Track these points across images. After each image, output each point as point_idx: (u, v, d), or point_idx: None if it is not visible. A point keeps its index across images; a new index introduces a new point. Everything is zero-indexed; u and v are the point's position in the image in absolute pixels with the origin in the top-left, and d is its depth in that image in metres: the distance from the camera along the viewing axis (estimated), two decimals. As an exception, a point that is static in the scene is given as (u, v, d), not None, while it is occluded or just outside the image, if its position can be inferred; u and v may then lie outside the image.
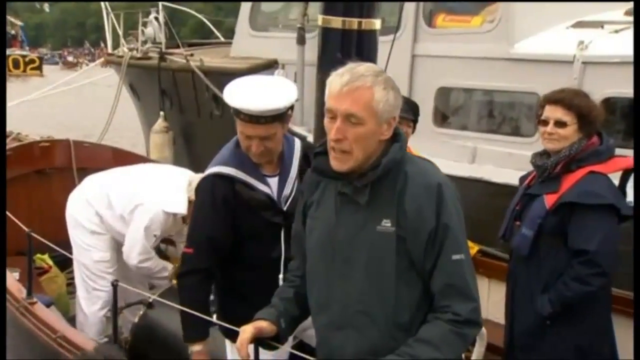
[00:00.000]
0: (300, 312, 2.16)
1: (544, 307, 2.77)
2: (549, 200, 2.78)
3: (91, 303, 3.92)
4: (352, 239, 1.96)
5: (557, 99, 2.83)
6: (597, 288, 2.71)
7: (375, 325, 1.95)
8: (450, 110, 5.64)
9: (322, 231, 2.03)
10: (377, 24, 3.12)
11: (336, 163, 1.92)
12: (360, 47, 3.08)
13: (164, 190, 3.81)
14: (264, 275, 2.50)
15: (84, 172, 4.87)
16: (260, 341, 2.02)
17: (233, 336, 2.52)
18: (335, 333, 2.01)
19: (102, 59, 12.53)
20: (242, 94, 2.43)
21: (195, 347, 2.60)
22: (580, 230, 2.71)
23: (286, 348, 2.25)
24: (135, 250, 3.76)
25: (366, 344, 1.94)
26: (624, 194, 2.84)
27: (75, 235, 3.93)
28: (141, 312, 3.59)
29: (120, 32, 10.05)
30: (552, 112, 2.81)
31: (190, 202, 3.63)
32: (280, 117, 2.44)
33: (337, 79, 1.90)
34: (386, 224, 1.92)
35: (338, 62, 3.00)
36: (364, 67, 1.93)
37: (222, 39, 10.97)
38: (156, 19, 9.04)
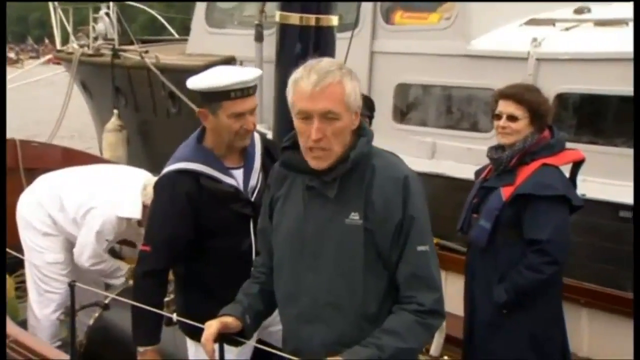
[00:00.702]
0: (265, 308, 2.19)
1: (499, 296, 2.87)
2: (506, 192, 2.89)
3: (44, 306, 3.86)
4: (321, 232, 1.99)
5: (509, 94, 2.94)
6: (549, 276, 2.82)
7: (344, 317, 1.98)
8: (409, 106, 5.75)
9: (290, 225, 2.06)
10: (334, 20, 3.19)
11: (317, 162, 1.94)
12: (318, 43, 3.14)
13: (117, 194, 3.74)
14: (233, 269, 2.50)
15: (32, 172, 4.74)
16: (225, 337, 2.02)
17: (196, 335, 2.51)
18: (303, 325, 2.04)
19: (49, 56, 12.28)
20: (226, 74, 2.48)
21: (144, 349, 2.59)
22: (533, 220, 2.83)
23: (251, 343, 2.27)
24: (85, 254, 3.72)
25: (334, 336, 1.98)
26: (575, 185, 2.98)
27: (26, 237, 3.87)
28: (96, 314, 3.56)
29: (70, 28, 9.88)
30: (505, 107, 2.93)
31: (145, 206, 3.57)
32: (256, 88, 2.53)
33: (304, 80, 1.90)
34: (354, 217, 1.95)
35: (297, 58, 3.09)
36: (325, 63, 1.94)
37: (177, 36, 10.90)
38: (107, 14, 8.94)
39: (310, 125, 1.90)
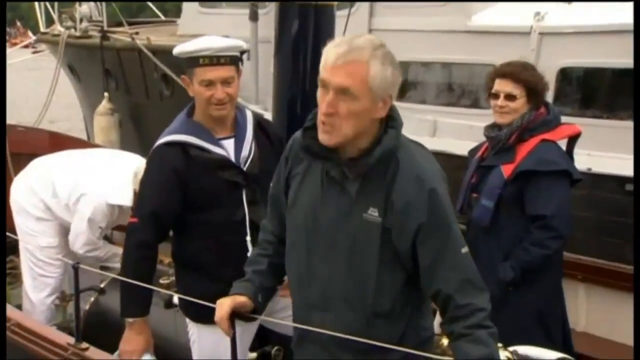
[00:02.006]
0: (275, 282, 2.20)
1: (506, 274, 2.90)
2: (506, 170, 2.91)
3: (38, 290, 3.84)
4: (337, 223, 1.94)
5: (506, 72, 2.95)
6: (555, 251, 2.88)
7: (354, 311, 1.95)
8: (408, 84, 5.78)
9: (306, 208, 2.01)
10: None
11: (324, 136, 1.86)
12: (317, 22, 3.15)
13: (108, 180, 3.71)
14: (228, 242, 2.54)
15: (18, 157, 4.69)
16: (237, 314, 2.04)
17: (200, 317, 2.57)
18: (314, 313, 2.01)
19: (30, 39, 12.14)
20: (199, 40, 2.52)
21: (130, 327, 2.59)
22: (537, 196, 2.86)
23: (262, 318, 2.26)
24: (79, 241, 3.70)
25: (344, 326, 1.96)
26: (572, 159, 3.03)
27: (20, 221, 3.85)
28: (92, 299, 3.58)
29: (55, 11, 9.77)
30: (502, 86, 2.94)
31: (136, 193, 3.50)
32: (236, 60, 2.54)
33: (333, 50, 1.82)
34: (373, 212, 1.89)
35: (296, 37, 3.11)
36: (362, 40, 1.85)
37: (163, 18, 10.84)
38: (91, -4, 8.87)
39: (326, 96, 1.84)
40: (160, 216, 2.53)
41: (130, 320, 2.60)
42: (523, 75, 2.93)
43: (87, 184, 3.70)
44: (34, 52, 11.47)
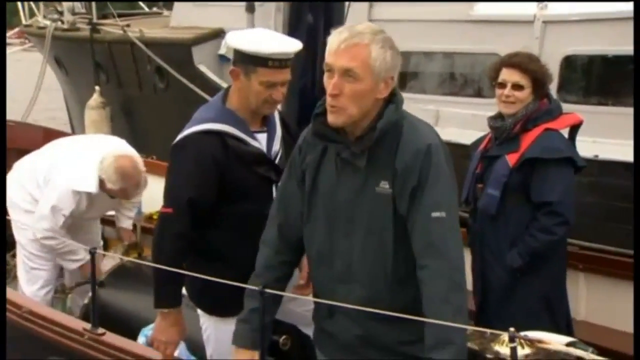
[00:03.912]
0: (276, 308, 2.33)
1: (514, 261, 3.01)
2: (511, 159, 3.03)
3: (31, 283, 3.88)
4: (353, 200, 2.11)
5: (514, 62, 3.07)
6: (561, 237, 2.99)
7: (376, 279, 2.12)
8: (410, 74, 5.85)
9: (324, 191, 2.18)
10: None
11: (331, 117, 2.05)
12: (328, 13, 3.22)
13: (76, 167, 3.70)
14: (256, 234, 2.50)
15: (9, 152, 4.63)
16: None
17: (216, 309, 2.63)
18: (338, 286, 2.19)
19: (15, 30, 12.04)
20: (269, 41, 2.51)
21: (163, 316, 2.59)
22: (542, 183, 2.97)
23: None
24: (40, 225, 3.68)
25: (368, 295, 2.13)
26: (574, 147, 3.14)
27: (12, 215, 3.89)
28: (91, 292, 3.59)
29: (40, 3, 9.72)
30: (510, 76, 3.05)
31: (101, 180, 3.58)
32: (291, 61, 2.56)
33: (336, 36, 2.02)
34: (384, 185, 2.06)
35: (308, 28, 3.18)
36: (362, 26, 2.05)
37: (146, 9, 10.83)
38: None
39: (331, 79, 2.02)
40: (198, 205, 2.49)
41: (165, 311, 2.58)
42: (530, 65, 3.05)
43: (56, 170, 3.74)
44: (21, 44, 11.35)
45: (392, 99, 2.10)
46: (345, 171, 2.12)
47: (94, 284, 2.82)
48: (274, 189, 2.56)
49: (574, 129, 3.14)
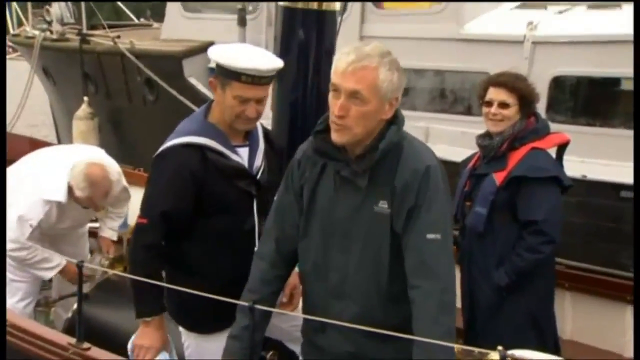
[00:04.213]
0: (266, 324, 2.33)
1: (501, 279, 3.03)
2: (498, 177, 3.05)
3: (10, 295, 3.73)
4: (351, 217, 2.14)
5: (501, 81, 3.11)
6: (547, 255, 3.01)
7: (370, 296, 2.15)
8: (400, 91, 5.87)
9: (322, 206, 2.19)
10: (336, 5, 3.28)
11: (336, 135, 2.07)
12: (321, 28, 3.23)
13: (47, 175, 3.60)
14: (236, 248, 2.54)
15: None
16: None
17: (196, 327, 2.61)
18: (332, 301, 2.21)
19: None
20: (245, 56, 2.50)
21: (145, 324, 2.57)
22: (528, 202, 3.00)
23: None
24: (8, 236, 3.51)
25: (360, 313, 2.14)
26: (561, 166, 3.16)
27: None
28: (75, 306, 3.49)
29: (28, 12, 9.70)
30: (496, 95, 3.09)
31: (70, 187, 3.50)
32: (272, 79, 2.56)
33: (343, 57, 2.02)
34: (383, 205, 2.09)
35: (299, 43, 3.18)
36: (370, 47, 2.06)
37: (136, 21, 10.82)
38: (63, -3, 8.81)
39: (337, 99, 2.03)
40: (171, 218, 2.49)
41: (148, 319, 2.56)
42: (517, 84, 3.09)
43: (27, 180, 3.63)
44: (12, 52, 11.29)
45: (394, 120, 2.12)
46: (344, 189, 2.15)
47: (80, 298, 2.77)
48: (254, 203, 2.57)
49: (562, 148, 3.17)
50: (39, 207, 3.54)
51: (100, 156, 3.77)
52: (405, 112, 5.83)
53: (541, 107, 4.63)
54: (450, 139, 5.24)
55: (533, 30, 4.88)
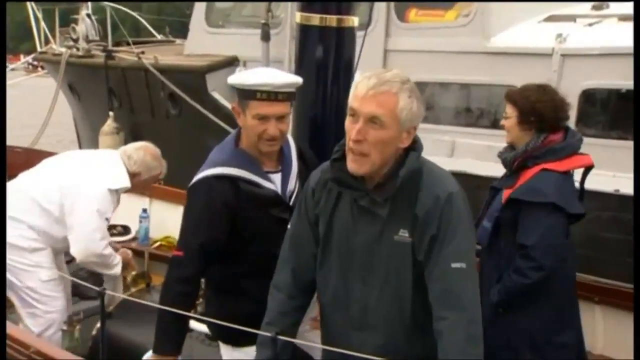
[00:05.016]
0: (290, 350, 2.25)
1: (493, 296, 2.98)
2: (505, 194, 3.00)
3: (45, 328, 3.60)
4: (370, 247, 2.09)
5: (506, 93, 3.10)
6: (534, 281, 2.89)
7: (393, 329, 2.10)
8: (425, 104, 5.82)
9: (339, 236, 2.15)
10: (355, 20, 3.27)
11: (353, 165, 2.02)
12: (339, 44, 3.20)
13: (99, 169, 3.60)
14: (270, 273, 2.49)
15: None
16: None
17: (233, 339, 2.59)
18: (354, 332, 2.15)
19: (30, 56, 12.22)
20: (258, 74, 2.53)
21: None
22: (523, 225, 2.92)
23: None
24: (96, 238, 3.48)
25: (384, 345, 2.09)
26: (582, 191, 3.04)
27: (12, 260, 3.48)
28: (98, 324, 3.44)
29: (54, 31, 9.88)
30: (506, 106, 3.10)
31: (132, 174, 3.61)
32: (292, 96, 2.54)
33: (364, 82, 2.00)
34: (403, 234, 2.05)
35: (317, 60, 3.16)
36: (391, 74, 2.03)
37: (158, 37, 10.95)
38: (89, 15, 8.96)
39: (355, 124, 2.00)
40: (207, 250, 2.51)
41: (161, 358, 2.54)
42: (517, 95, 3.04)
43: (75, 181, 3.54)
44: (33, 70, 11.50)
45: (413, 146, 2.07)
46: (362, 218, 2.10)
47: (103, 322, 2.75)
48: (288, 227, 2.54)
49: (586, 171, 3.05)
50: (108, 197, 3.53)
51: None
52: (430, 126, 5.89)
53: (570, 120, 4.57)
54: (476, 153, 5.18)
55: (562, 43, 4.81)
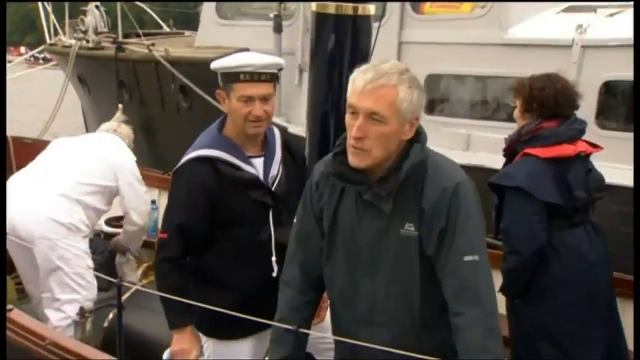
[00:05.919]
0: (302, 348, 2.25)
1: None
2: None
3: (70, 311, 3.65)
4: (376, 242, 2.05)
5: (511, 84, 3.12)
6: (515, 267, 2.86)
7: (402, 323, 2.07)
8: (440, 97, 5.78)
9: (344, 232, 2.11)
10: (371, 9, 3.21)
11: (354, 159, 1.98)
12: (355, 33, 3.14)
13: (117, 145, 3.99)
14: (252, 259, 2.57)
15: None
16: None
17: (216, 332, 2.62)
18: (362, 328, 2.11)
19: (36, 50, 12.21)
20: (240, 57, 2.57)
21: (178, 333, 2.60)
22: (503, 210, 2.93)
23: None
24: (148, 199, 4.03)
25: (393, 340, 2.03)
26: (566, 181, 2.91)
27: (67, 245, 3.59)
28: (111, 315, 3.54)
29: (64, 23, 9.86)
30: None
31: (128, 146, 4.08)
32: (275, 77, 2.57)
33: (360, 76, 1.95)
34: (409, 227, 2.00)
35: (333, 49, 3.09)
36: (388, 65, 1.97)
37: (167, 29, 10.92)
38: (97, 7, 8.93)
39: (355, 120, 1.94)
40: (186, 230, 2.55)
41: (176, 334, 2.60)
42: (518, 84, 3.05)
43: (115, 157, 3.86)
44: (43, 63, 11.51)
45: (417, 138, 2.01)
46: (367, 212, 2.05)
47: (120, 313, 2.72)
48: (270, 213, 2.57)
49: (582, 160, 2.98)
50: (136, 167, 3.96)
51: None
52: (445, 119, 5.80)
53: (590, 113, 4.49)
54: (492, 146, 5.08)
55: (582, 34, 4.73)
